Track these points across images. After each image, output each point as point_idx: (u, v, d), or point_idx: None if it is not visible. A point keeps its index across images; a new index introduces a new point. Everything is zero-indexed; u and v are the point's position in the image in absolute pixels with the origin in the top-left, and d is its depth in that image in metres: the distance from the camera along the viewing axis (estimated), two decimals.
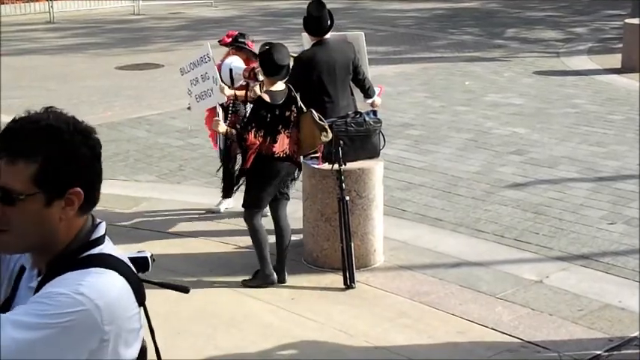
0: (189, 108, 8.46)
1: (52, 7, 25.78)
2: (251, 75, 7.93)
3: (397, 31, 22.53)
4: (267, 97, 6.99)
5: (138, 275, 2.38)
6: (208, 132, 8.86)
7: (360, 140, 7.39)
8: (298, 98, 7.20)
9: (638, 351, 6.06)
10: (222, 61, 8.43)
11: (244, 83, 8.10)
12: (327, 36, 7.93)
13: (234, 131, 7.09)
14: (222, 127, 7.21)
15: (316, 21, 7.86)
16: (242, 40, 8.44)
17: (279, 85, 7.10)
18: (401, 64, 17.64)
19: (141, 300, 2.32)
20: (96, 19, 26.06)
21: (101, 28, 24.11)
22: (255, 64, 7.90)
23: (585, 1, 28.43)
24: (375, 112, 7.68)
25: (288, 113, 7.06)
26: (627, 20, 17.35)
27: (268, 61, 7.02)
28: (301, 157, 7.36)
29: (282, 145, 7.04)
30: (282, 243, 7.24)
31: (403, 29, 22.99)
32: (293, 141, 7.12)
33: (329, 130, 7.10)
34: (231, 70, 8.15)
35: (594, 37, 20.97)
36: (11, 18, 26.14)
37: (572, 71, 16.52)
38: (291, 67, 7.28)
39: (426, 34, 22.13)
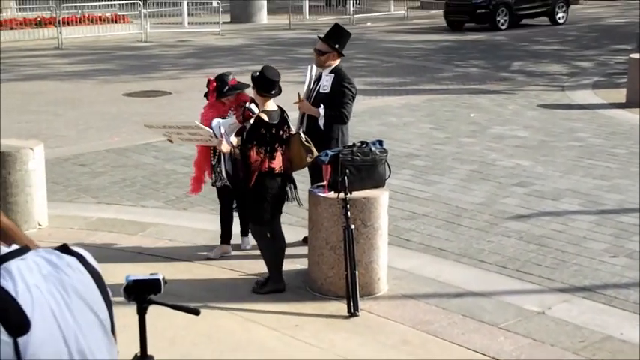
0: (170, 141, 8.50)
1: (60, 33, 26.02)
2: (246, 115, 7.86)
3: (403, 62, 22.68)
4: (265, 117, 7.42)
5: (14, 301, 2.18)
6: (194, 172, 8.72)
7: (366, 170, 7.48)
8: (289, 119, 7.65)
9: None
10: (213, 107, 8.37)
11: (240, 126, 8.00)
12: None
13: (237, 150, 7.39)
14: (226, 147, 7.43)
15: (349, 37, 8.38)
16: (226, 88, 8.17)
17: (273, 105, 7.55)
18: (406, 95, 17.76)
19: (18, 329, 2.16)
20: (104, 45, 26.27)
21: (109, 55, 24.31)
22: (243, 100, 8.07)
23: (591, 36, 28.61)
24: (381, 142, 7.77)
25: (281, 132, 7.51)
26: (632, 55, 17.46)
27: (262, 79, 7.48)
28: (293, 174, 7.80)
29: (278, 162, 7.48)
30: (283, 255, 7.69)
31: (409, 60, 23.15)
32: (286, 158, 7.54)
33: (314, 152, 7.55)
34: (220, 127, 7.83)
35: (599, 72, 21.10)
36: (20, 43, 26.38)
37: (577, 105, 16.63)
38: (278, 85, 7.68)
39: (432, 65, 22.28)
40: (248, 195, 7.52)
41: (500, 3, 31.20)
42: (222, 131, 7.57)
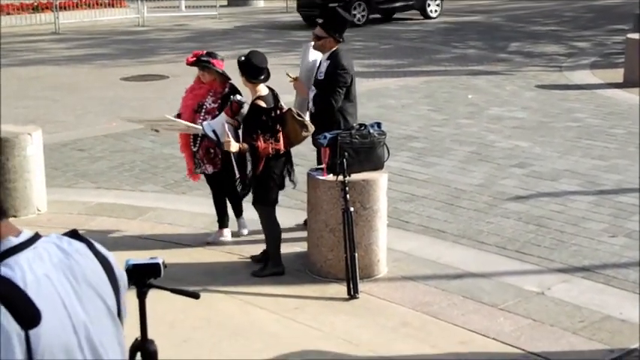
0: (156, 131, 8.60)
1: (57, 17, 25.95)
2: (234, 108, 7.86)
3: (401, 45, 22.64)
4: (263, 103, 7.41)
5: (24, 294, 2.18)
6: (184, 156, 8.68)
7: (365, 152, 7.49)
8: (279, 97, 7.65)
9: None
10: (193, 90, 8.35)
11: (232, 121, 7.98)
12: None
13: (246, 145, 7.35)
14: (235, 146, 7.38)
15: (347, 25, 8.27)
16: (205, 58, 8.11)
17: (265, 89, 7.54)
18: (404, 77, 17.74)
19: (29, 321, 2.15)
20: (101, 30, 26.20)
21: (106, 40, 24.25)
22: (221, 89, 8.09)
23: (589, 16, 28.56)
24: (379, 125, 7.76)
25: (278, 112, 7.50)
26: (629, 35, 17.45)
27: (248, 65, 7.48)
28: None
29: (281, 142, 7.49)
30: (280, 237, 7.76)
31: (407, 42, 23.11)
32: (285, 136, 7.53)
33: (309, 126, 7.58)
34: (214, 131, 7.79)
35: (597, 52, 21.07)
36: (17, 29, 26.31)
37: (575, 85, 16.62)
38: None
39: (430, 47, 22.24)
40: (254, 178, 7.51)
41: None
42: (226, 128, 7.49)
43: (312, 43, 8.42)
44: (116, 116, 14.11)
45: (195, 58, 8.12)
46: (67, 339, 2.22)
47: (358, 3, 27.09)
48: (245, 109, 7.68)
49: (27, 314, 2.13)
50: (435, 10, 29.10)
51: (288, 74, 8.64)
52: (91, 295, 2.32)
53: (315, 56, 8.49)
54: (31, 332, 2.12)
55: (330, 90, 8.15)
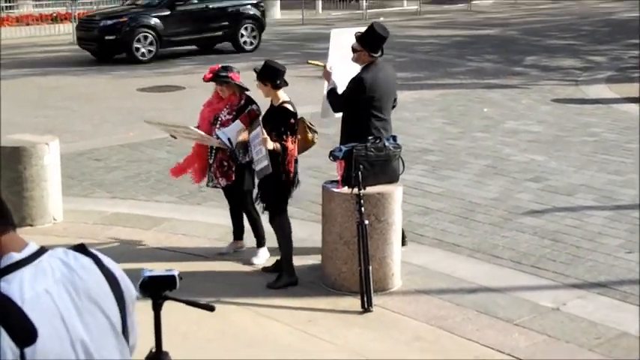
0: (174, 137, 8.71)
1: (75, 28, 26.04)
2: (252, 116, 7.94)
3: (416, 57, 22.65)
4: (290, 107, 7.65)
5: (20, 312, 2.18)
6: (193, 168, 8.66)
7: (380, 165, 7.49)
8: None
9: None
10: (211, 105, 8.36)
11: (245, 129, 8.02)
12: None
13: (278, 145, 7.49)
14: (270, 144, 7.46)
15: (384, 41, 8.10)
16: (224, 73, 8.10)
17: (285, 95, 7.73)
18: (420, 90, 17.73)
19: (25, 339, 2.16)
20: None
21: None
22: (237, 101, 8.12)
23: (605, 30, 28.49)
24: (394, 137, 7.76)
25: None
26: None
27: (270, 70, 7.67)
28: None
29: (297, 147, 7.73)
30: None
31: (422, 55, 23.11)
32: (299, 142, 7.81)
33: (316, 134, 8.05)
34: (229, 139, 7.91)
35: (613, 66, 21.01)
36: (36, 39, 26.47)
37: (591, 99, 16.57)
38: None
39: (445, 60, 22.23)
40: (276, 185, 7.60)
41: (141, 26, 22.66)
42: (259, 130, 7.52)
43: (339, 29, 8.47)
44: (133, 125, 14.17)
45: (212, 75, 8.13)
46: (64, 355, 2.22)
47: (143, 35, 22.55)
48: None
49: (23, 332, 2.14)
50: (252, 42, 24.34)
51: (310, 62, 8.74)
52: (93, 310, 2.32)
53: (342, 48, 8.41)
54: (27, 350, 2.13)
55: (342, 97, 8.15)
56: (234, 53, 23.15)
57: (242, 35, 24.19)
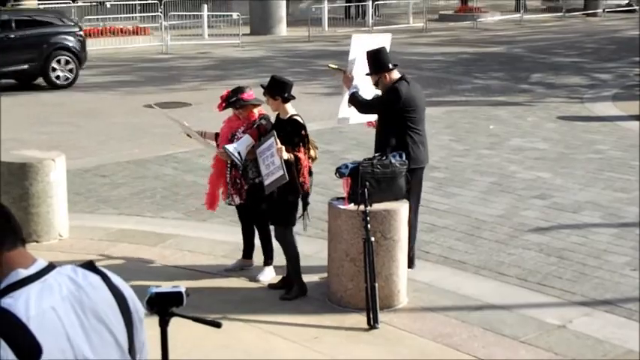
0: (189, 136, 8.70)
1: None
2: (262, 130, 8.00)
3: (422, 74, 22.66)
4: (300, 119, 7.70)
5: (25, 329, 2.20)
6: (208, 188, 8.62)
7: (386, 182, 7.49)
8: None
9: None
10: (230, 122, 8.38)
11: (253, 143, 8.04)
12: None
13: (292, 155, 7.53)
14: (286, 154, 7.51)
15: (381, 57, 8.19)
16: (233, 98, 8.09)
17: (293, 109, 7.79)
18: (426, 106, 17.70)
19: (29, 356, 2.17)
20: (125, 57, 26.38)
21: (130, 67, 24.41)
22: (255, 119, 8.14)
23: (611, 48, 28.51)
24: (400, 154, 7.76)
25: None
26: None
27: (277, 83, 7.77)
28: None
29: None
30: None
31: (429, 72, 23.13)
32: None
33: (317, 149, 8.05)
34: (239, 152, 7.91)
35: (619, 84, 21.02)
36: None
37: (596, 117, 16.57)
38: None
39: (452, 77, 22.26)
40: (284, 198, 7.65)
41: None
42: (271, 142, 7.53)
43: (359, 34, 8.50)
44: (139, 142, 14.19)
45: (224, 103, 8.16)
46: None
47: None
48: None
49: (27, 349, 2.16)
50: (66, 78, 20.78)
51: (331, 65, 8.74)
52: (99, 328, 2.32)
53: (359, 52, 8.40)
54: None
55: (375, 101, 8.18)
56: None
57: (53, 69, 20.64)
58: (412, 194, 8.06)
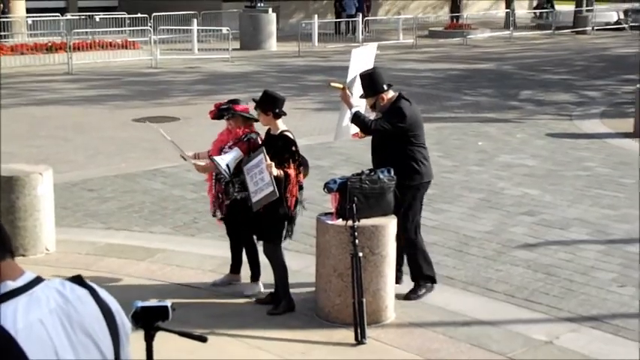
0: (183, 158, 8.60)
1: (71, 58, 26.12)
2: (252, 145, 7.96)
3: (412, 91, 22.68)
4: (291, 135, 7.67)
5: (13, 342, 2.19)
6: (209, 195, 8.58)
7: (375, 197, 7.49)
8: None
9: None
10: (222, 135, 8.35)
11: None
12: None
13: (281, 172, 7.50)
14: (275, 170, 7.48)
15: (376, 79, 8.11)
16: (225, 107, 8.08)
17: (283, 124, 7.76)
18: None
19: None
20: (114, 71, 26.37)
21: (119, 81, 24.40)
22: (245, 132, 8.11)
23: (600, 66, 28.65)
24: (389, 170, 7.76)
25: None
26: None
27: (269, 98, 7.74)
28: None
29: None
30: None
31: (418, 89, 23.18)
32: None
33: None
34: (227, 165, 7.89)
35: (607, 101, 21.12)
36: (31, 68, 26.50)
37: (585, 134, 16.64)
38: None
39: (441, 94, 22.33)
40: (272, 214, 7.60)
41: None
42: (260, 158, 7.50)
43: (359, 48, 8.46)
44: (127, 156, 14.18)
45: (216, 110, 8.15)
46: None
47: None
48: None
49: None
50: None
51: (330, 84, 8.52)
52: (86, 343, 2.31)
53: (362, 65, 8.34)
54: None
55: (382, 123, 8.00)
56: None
57: None
58: (417, 210, 8.13)
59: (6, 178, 9.13)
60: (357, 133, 8.50)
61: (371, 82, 8.05)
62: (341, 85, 8.25)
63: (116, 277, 8.51)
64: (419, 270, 8.16)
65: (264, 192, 7.47)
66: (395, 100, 8.08)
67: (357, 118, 8.02)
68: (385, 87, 8.07)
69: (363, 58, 8.47)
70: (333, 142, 13.66)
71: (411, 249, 8.15)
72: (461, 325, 7.48)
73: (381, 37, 36.65)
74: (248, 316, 7.64)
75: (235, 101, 8.21)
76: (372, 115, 8.23)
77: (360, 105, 8.23)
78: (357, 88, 8.23)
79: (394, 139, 7.99)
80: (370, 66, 8.43)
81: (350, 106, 8.10)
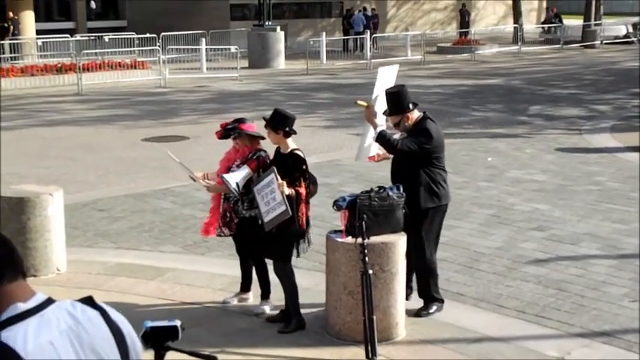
0: (193, 179, 8.59)
1: (80, 79, 26.24)
2: (261, 163, 7.98)
3: (421, 107, 22.66)
4: (301, 154, 7.68)
5: None
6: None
7: (384, 215, 7.49)
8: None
9: None
10: (229, 154, 8.35)
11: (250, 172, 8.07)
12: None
13: (293, 191, 7.50)
14: (287, 189, 7.47)
15: (400, 97, 8.08)
16: (231, 126, 8.08)
17: (294, 143, 7.76)
18: None
19: None
20: (123, 91, 26.47)
21: (128, 101, 24.50)
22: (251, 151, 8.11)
23: (609, 80, 28.62)
24: (398, 187, 7.76)
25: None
26: None
27: (279, 116, 7.75)
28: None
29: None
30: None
31: (427, 105, 23.11)
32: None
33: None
34: (237, 183, 7.86)
35: (617, 115, 21.09)
36: (41, 89, 26.64)
37: (595, 149, 16.61)
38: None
39: (450, 110, 22.32)
40: (283, 233, 7.59)
41: None
42: (271, 178, 7.50)
43: (386, 67, 8.42)
44: (137, 176, 14.20)
45: (222, 129, 8.16)
46: None
47: None
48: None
49: None
50: None
51: (358, 102, 8.30)
52: None
53: (386, 84, 8.28)
54: None
55: (410, 140, 7.95)
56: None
57: None
58: (435, 232, 8.19)
59: (17, 199, 9.16)
60: (374, 156, 8.49)
61: (398, 99, 8.01)
62: (366, 104, 8.13)
63: (126, 297, 8.51)
64: (427, 290, 8.15)
65: (277, 211, 7.46)
66: (420, 120, 8.07)
67: (382, 138, 7.93)
68: (411, 106, 8.05)
69: (388, 77, 8.45)
70: (341, 160, 13.68)
71: (422, 269, 8.14)
72: (472, 342, 7.45)
73: (389, 54, 36.75)
74: (258, 335, 7.63)
75: (241, 120, 8.21)
76: (396, 135, 8.19)
77: (382, 124, 8.20)
78: (380, 107, 8.16)
79: (417, 159, 7.97)
80: (392, 85, 8.38)
81: (375, 126, 8.04)
